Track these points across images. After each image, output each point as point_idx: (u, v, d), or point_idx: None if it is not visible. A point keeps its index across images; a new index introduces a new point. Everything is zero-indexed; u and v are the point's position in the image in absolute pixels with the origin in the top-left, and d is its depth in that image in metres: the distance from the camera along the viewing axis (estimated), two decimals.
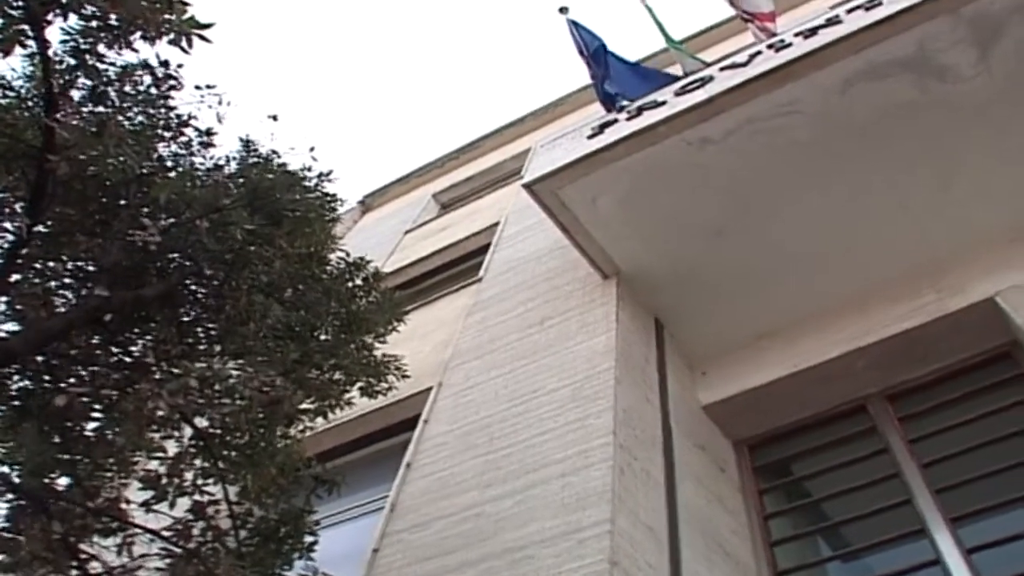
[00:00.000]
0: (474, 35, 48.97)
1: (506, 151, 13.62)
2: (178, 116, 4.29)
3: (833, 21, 6.18)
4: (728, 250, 5.84)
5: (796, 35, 6.43)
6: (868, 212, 5.71)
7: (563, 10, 9.78)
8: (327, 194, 4.92)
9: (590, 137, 6.32)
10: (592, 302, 5.74)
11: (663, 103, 6.22)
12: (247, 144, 4.70)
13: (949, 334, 5.32)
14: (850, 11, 6.33)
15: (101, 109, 3.99)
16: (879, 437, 5.15)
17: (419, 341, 6.97)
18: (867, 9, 6.04)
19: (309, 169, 4.86)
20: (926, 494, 4.58)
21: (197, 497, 3.81)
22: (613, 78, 9.56)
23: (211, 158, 4.50)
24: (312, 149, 4.81)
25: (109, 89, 4.02)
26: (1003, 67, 5.32)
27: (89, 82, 3.95)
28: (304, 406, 4.48)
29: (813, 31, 6.16)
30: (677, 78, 8.93)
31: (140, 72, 4.05)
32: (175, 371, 3.91)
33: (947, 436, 4.90)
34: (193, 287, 4.49)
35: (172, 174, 4.26)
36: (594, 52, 9.46)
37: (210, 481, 3.91)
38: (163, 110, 4.23)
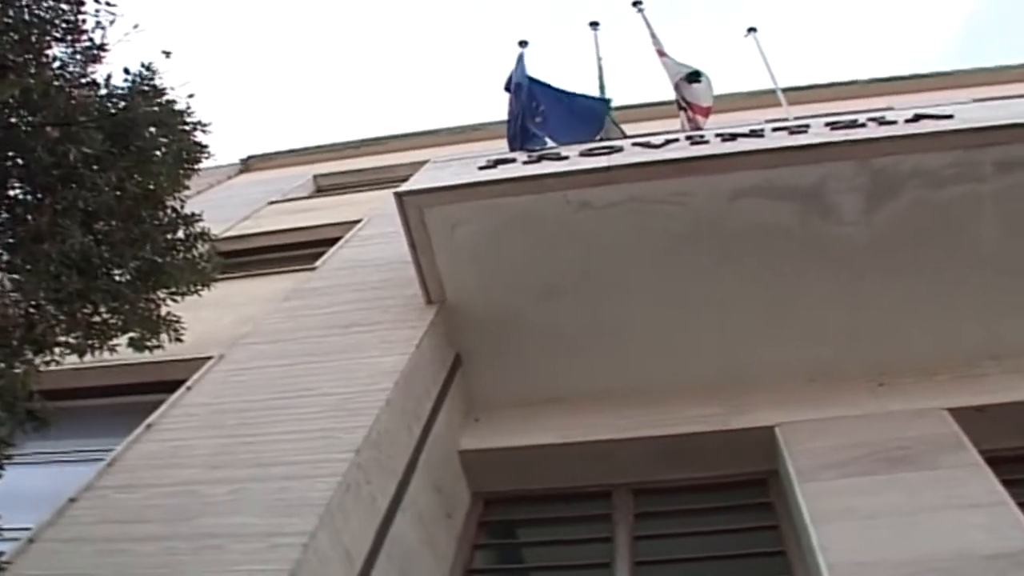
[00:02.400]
0: (459, 40, 49.43)
1: (406, 156, 13.79)
2: (67, 22, 4.26)
3: (756, 133, 6.54)
4: (553, 312, 6.07)
5: (717, 135, 6.78)
6: (697, 317, 6.05)
7: (523, 43, 10.12)
8: (196, 143, 4.92)
9: (481, 168, 6.56)
10: (404, 322, 5.88)
11: (565, 158, 6.48)
12: (126, 72, 4.67)
13: (719, 449, 5.63)
14: (775, 129, 6.74)
15: None
16: (609, 526, 5.39)
17: (224, 310, 6.92)
18: (791, 132, 6.45)
19: (185, 113, 4.84)
20: None
21: None
22: (547, 118, 9.83)
23: (92, 73, 4.47)
24: (191, 96, 4.81)
25: None
26: (883, 223, 5.77)
27: None
28: (65, 339, 4.41)
29: (733, 136, 6.52)
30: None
31: None
32: None
33: (673, 542, 5.22)
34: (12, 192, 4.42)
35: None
36: (527, 89, 9.72)
37: None
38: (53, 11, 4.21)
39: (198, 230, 5.38)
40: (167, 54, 4.61)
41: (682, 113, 9.84)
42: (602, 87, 10.68)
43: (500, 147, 9.11)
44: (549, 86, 10.07)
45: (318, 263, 7.88)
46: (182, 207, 5.43)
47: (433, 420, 5.40)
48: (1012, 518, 4.52)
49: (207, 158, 5.79)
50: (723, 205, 5.86)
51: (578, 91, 9.89)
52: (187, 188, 5.65)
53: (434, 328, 5.88)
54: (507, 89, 9.53)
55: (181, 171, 5.33)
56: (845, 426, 5.44)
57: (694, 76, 10.05)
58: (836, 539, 4.51)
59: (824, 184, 5.79)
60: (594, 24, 10.95)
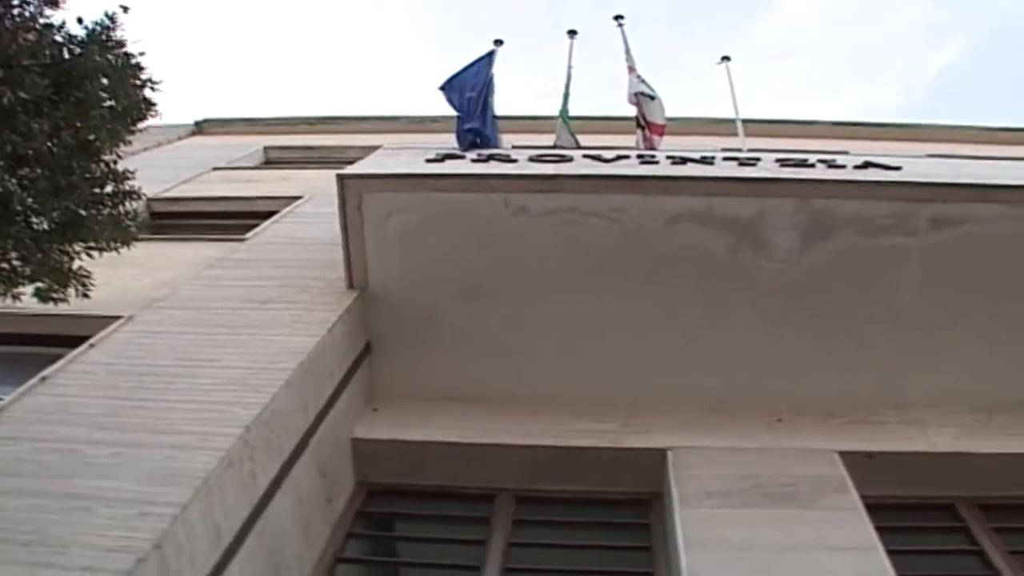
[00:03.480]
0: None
1: (361, 139, 13.81)
2: None
3: (706, 160, 6.61)
4: (471, 312, 6.11)
5: (668, 157, 6.85)
6: (611, 334, 6.13)
7: (498, 42, 10.11)
8: (145, 99, 4.88)
9: (429, 161, 6.57)
10: (321, 304, 5.86)
11: (514, 161, 6.53)
12: (79, 21, 4.60)
13: (609, 465, 5.72)
14: (727, 158, 6.82)
15: None
16: (487, 529, 5.41)
17: (146, 270, 6.91)
18: (740, 163, 6.53)
19: (138, 68, 4.78)
20: None
21: None
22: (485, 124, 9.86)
23: (49, 17, 4.40)
24: (142, 53, 4.77)
25: None
26: (811, 263, 5.91)
27: None
28: None
29: (684, 160, 6.59)
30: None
31: None
32: None
33: (546, 552, 5.28)
34: None
35: None
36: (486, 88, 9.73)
37: None
38: None
39: (127, 187, 5.36)
40: (125, 9, 4.59)
41: (639, 131, 9.89)
42: (567, 95, 10.72)
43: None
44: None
45: (249, 235, 7.82)
46: (115, 163, 5.40)
47: (331, 405, 5.38)
48: (879, 565, 4.65)
49: (154, 116, 5.77)
50: (659, 226, 5.92)
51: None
52: (128, 143, 5.60)
53: (350, 313, 5.87)
54: (441, 89, 9.50)
55: (124, 126, 5.30)
56: (736, 457, 5.55)
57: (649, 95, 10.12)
58: (704, 566, 4.59)
59: (762, 218, 5.88)
60: (572, 32, 10.96)
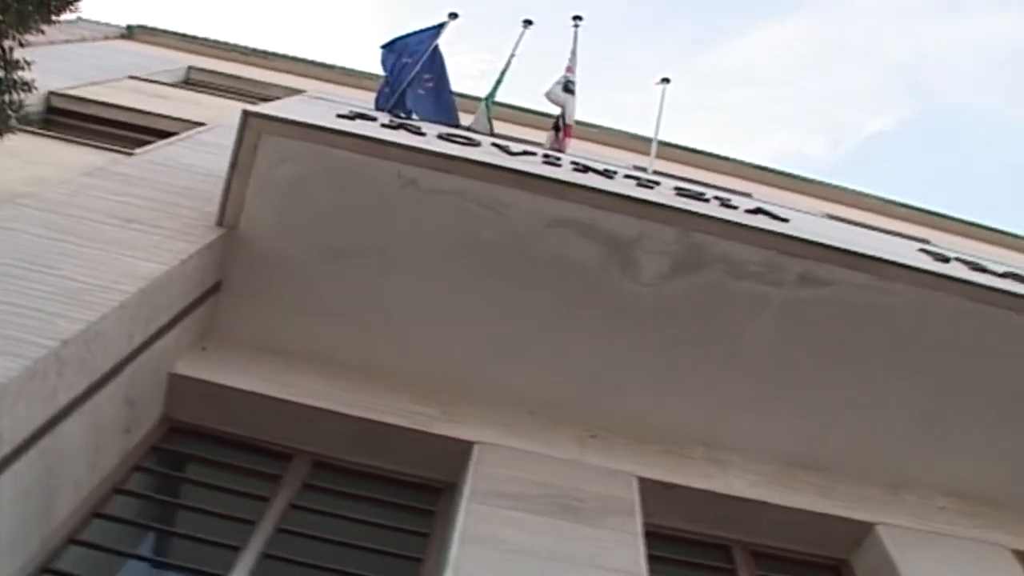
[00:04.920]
0: None
1: (289, 79, 13.61)
2: None
3: (608, 173, 6.59)
4: (331, 272, 6.01)
5: (572, 162, 6.82)
6: (461, 321, 6.10)
7: (453, 15, 9.99)
8: None
9: (340, 116, 6.44)
10: (185, 234, 5.68)
11: (423, 134, 6.43)
12: None
13: (414, 448, 5.69)
14: (628, 176, 6.81)
15: None
16: (274, 487, 5.32)
17: (21, 164, 6.63)
18: (639, 184, 6.51)
19: None
20: (254, 555, 4.73)
21: None
22: (428, 93, 9.78)
23: None
24: None
25: None
26: (672, 293, 5.98)
27: None
28: None
29: (586, 168, 6.56)
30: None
31: None
32: None
33: (325, 521, 5.17)
34: None
35: None
36: (429, 57, 9.64)
37: None
38: None
39: (17, 77, 5.11)
40: None
41: (552, 132, 9.88)
42: (499, 80, 10.66)
43: None
44: (444, 65, 10.02)
45: (138, 150, 7.55)
46: (12, 50, 5.14)
47: (160, 336, 5.22)
48: None
49: (74, 11, 5.52)
50: (538, 227, 5.90)
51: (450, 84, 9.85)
52: (40, 32, 5.33)
53: (209, 250, 5.71)
54: (382, 48, 9.39)
55: (41, 14, 5.05)
56: (538, 464, 5.60)
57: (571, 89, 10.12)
58: (471, 562, 4.62)
59: (640, 240, 5.89)
60: (527, 22, 10.89)
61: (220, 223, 5.99)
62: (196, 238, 5.69)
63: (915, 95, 48.99)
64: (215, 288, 5.98)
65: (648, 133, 11.82)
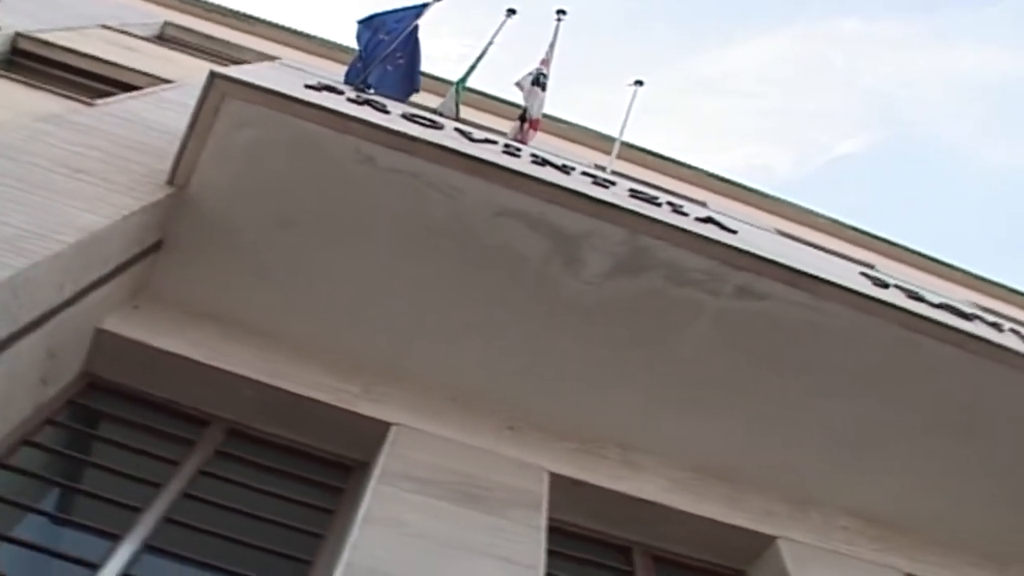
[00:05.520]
0: None
1: (265, 45, 13.42)
2: None
3: (566, 168, 6.58)
4: (276, 241, 5.94)
5: (532, 154, 6.80)
6: (396, 300, 6.05)
7: None
8: None
9: (308, 87, 6.34)
10: (133, 190, 5.58)
11: (386, 112, 6.37)
12: None
13: (333, 424, 5.62)
14: (585, 173, 6.80)
15: None
16: (186, 451, 5.24)
17: None
18: (594, 182, 6.51)
19: None
20: (155, 518, 4.68)
21: None
22: (397, 69, 9.68)
23: None
24: None
25: None
26: (611, 294, 5.99)
27: None
28: None
29: (545, 162, 6.54)
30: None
31: None
32: None
33: (233, 490, 5.11)
34: None
35: None
36: (407, 36, 9.55)
37: None
38: None
39: None
40: None
41: (518, 122, 9.84)
42: (473, 66, 10.60)
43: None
44: (418, 45, 9.94)
45: (99, 101, 7.40)
46: None
47: (92, 290, 5.11)
48: None
49: None
50: (487, 216, 5.87)
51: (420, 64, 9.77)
52: None
53: (155, 208, 5.62)
54: (359, 23, 9.29)
55: None
56: (452, 450, 5.59)
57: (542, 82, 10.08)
58: (370, 543, 4.60)
59: (587, 238, 5.89)
60: (511, 11, 10.80)
61: (170, 182, 5.90)
62: (143, 195, 5.59)
63: (886, 122, 49.58)
64: (156, 247, 5.88)
65: (616, 132, 11.86)
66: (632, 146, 12.93)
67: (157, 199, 5.64)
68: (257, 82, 5.97)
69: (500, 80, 12.52)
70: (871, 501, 6.64)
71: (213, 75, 5.89)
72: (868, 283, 6.55)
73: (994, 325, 6.89)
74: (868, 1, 48.98)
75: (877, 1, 48.96)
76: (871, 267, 10.44)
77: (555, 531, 5.45)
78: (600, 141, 12.97)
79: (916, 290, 6.92)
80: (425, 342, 6.15)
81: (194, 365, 5.53)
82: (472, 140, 6.52)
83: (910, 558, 6.42)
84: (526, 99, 9.93)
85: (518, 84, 10.14)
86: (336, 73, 9.38)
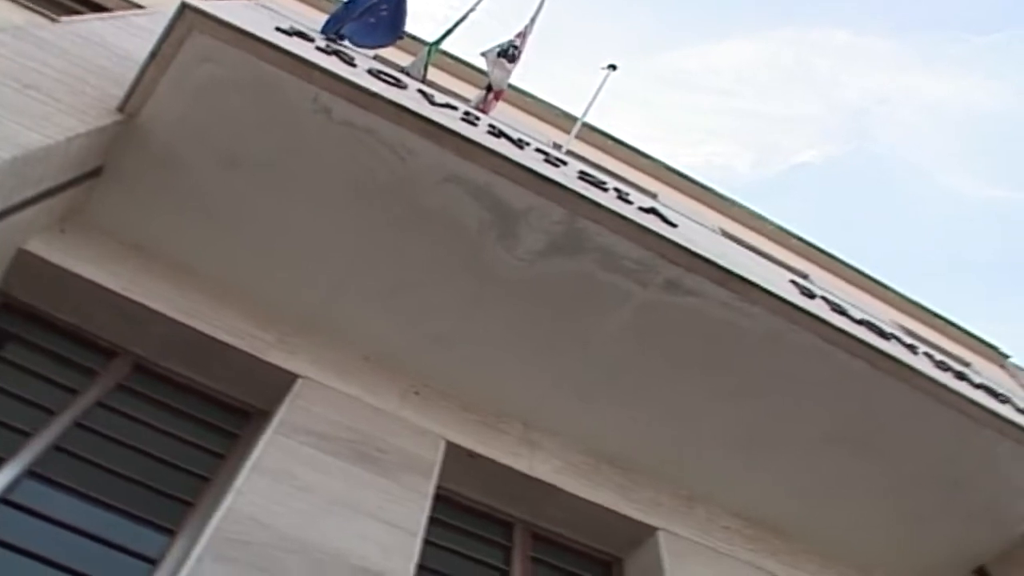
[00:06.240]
0: None
1: None
2: None
3: (521, 143, 6.56)
4: (219, 179, 5.86)
5: (490, 124, 6.78)
6: (328, 254, 6.03)
7: None
8: None
9: (279, 30, 6.25)
10: (81, 112, 5.44)
11: (353, 66, 6.30)
12: None
13: (240, 369, 5.62)
14: (538, 149, 6.80)
15: None
16: (87, 381, 5.20)
17: None
18: (545, 159, 6.50)
19: None
20: (43, 444, 4.66)
21: None
22: (379, 21, 9.52)
23: None
24: None
25: None
26: (542, 272, 6.05)
27: None
28: None
29: (501, 133, 6.50)
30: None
31: None
32: None
33: (126, 424, 5.07)
34: None
35: None
36: None
37: None
38: None
39: None
40: None
41: (484, 91, 9.79)
42: (451, 30, 10.48)
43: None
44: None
45: (64, 18, 7.23)
46: None
47: (20, 208, 4.99)
48: (409, 551, 4.85)
49: None
50: (434, 180, 5.86)
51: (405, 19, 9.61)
52: None
53: (101, 133, 5.50)
54: None
55: None
56: (355, 409, 5.62)
57: (511, 54, 9.99)
58: (255, 491, 4.62)
59: (527, 214, 5.92)
60: None
61: (121, 109, 5.79)
62: (91, 118, 5.47)
63: (851, 136, 50.07)
64: (95, 172, 5.76)
65: (582, 113, 11.86)
66: (595, 129, 12.93)
67: (104, 124, 5.52)
68: (228, 19, 5.89)
69: (481, 47, 12.42)
70: (757, 504, 6.81)
71: (184, 6, 5.77)
72: (795, 291, 6.65)
73: (910, 347, 7.04)
74: (863, 14, 49.32)
75: (872, 15, 49.31)
76: (805, 277, 10.59)
77: (443, 500, 5.53)
78: (563, 120, 12.94)
79: (841, 304, 7.04)
80: (348, 298, 6.13)
81: (110, 295, 5.44)
82: (433, 103, 6.47)
83: (785, 563, 6.61)
84: (490, 70, 9.85)
85: (483, 54, 10.06)
86: (317, 20, 9.22)
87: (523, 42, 10.46)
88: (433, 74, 10.41)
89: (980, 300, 51.84)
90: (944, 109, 48.79)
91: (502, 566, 5.77)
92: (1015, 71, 47.87)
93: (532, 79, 14.84)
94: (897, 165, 52.24)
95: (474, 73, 12.86)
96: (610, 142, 13.15)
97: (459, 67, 13.01)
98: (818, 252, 13.88)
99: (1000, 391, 7.36)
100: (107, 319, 5.46)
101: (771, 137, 53.10)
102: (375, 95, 5.91)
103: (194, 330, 5.55)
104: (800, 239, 13.87)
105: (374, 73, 6.43)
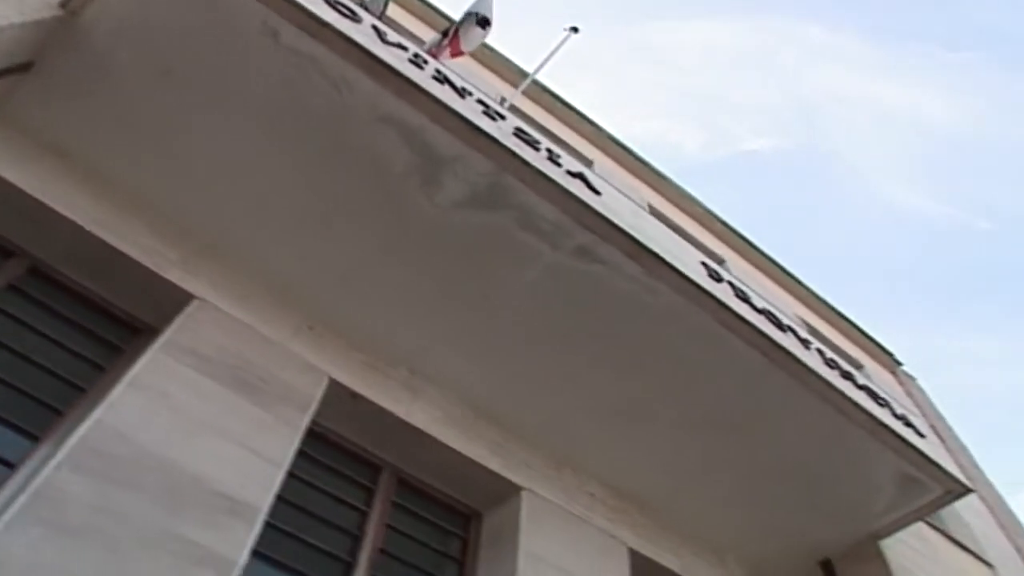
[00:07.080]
0: None
1: None
2: None
3: (463, 92, 6.50)
4: (151, 91, 5.69)
5: (436, 70, 6.68)
6: (254, 176, 5.93)
7: None
8: None
9: None
10: (19, 3, 5.16)
11: None
12: None
13: (143, 284, 5.54)
14: (479, 101, 6.71)
15: None
16: None
17: None
18: (484, 111, 6.43)
19: None
20: None
21: None
22: None
23: None
24: None
25: None
26: (458, 222, 6.04)
27: None
28: None
29: (445, 79, 6.41)
30: None
31: None
32: None
33: (10, 324, 5.02)
34: None
35: None
36: None
37: None
38: None
39: None
40: None
41: (439, 36, 9.66)
42: None
43: None
44: None
45: None
46: None
47: None
48: (270, 481, 4.87)
49: None
50: (368, 117, 5.80)
51: None
52: None
53: (37, 26, 5.27)
54: None
55: None
56: (245, 335, 5.61)
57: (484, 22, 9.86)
58: (126, 406, 4.60)
59: (454, 162, 5.92)
60: None
61: (64, 5, 5.54)
62: (29, 10, 5.21)
63: (804, 130, 50.53)
64: (24, 67, 5.52)
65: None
66: (545, 89, 12.90)
67: (41, 18, 5.26)
68: None
69: None
70: (626, 476, 7.00)
71: None
72: (704, 273, 6.75)
73: (804, 341, 7.22)
74: (840, 10, 49.42)
75: (849, 14, 49.47)
76: (722, 262, 10.75)
77: (316, 436, 5.58)
78: (516, 76, 12.81)
79: (747, 291, 7.16)
80: (259, 225, 6.07)
81: (18, 193, 5.28)
82: (384, 41, 6.37)
83: (641, 536, 6.81)
84: (464, 32, 9.61)
85: (467, 14, 9.80)
86: None
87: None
88: (394, 11, 10.29)
89: (887, 307, 53.15)
90: (898, 117, 49.52)
91: (363, 507, 5.81)
92: (974, 92, 48.74)
93: (497, 33, 14.71)
94: (840, 165, 53.04)
95: (437, 16, 12.69)
96: (557, 104, 13.09)
97: (424, 9, 12.84)
98: (739, 239, 14.04)
99: (882, 395, 7.57)
100: (10, 218, 5.27)
101: (724, 121, 53.45)
102: (326, 24, 5.82)
103: (98, 239, 5.42)
104: (724, 224, 14.03)
105: (331, 4, 6.31)
